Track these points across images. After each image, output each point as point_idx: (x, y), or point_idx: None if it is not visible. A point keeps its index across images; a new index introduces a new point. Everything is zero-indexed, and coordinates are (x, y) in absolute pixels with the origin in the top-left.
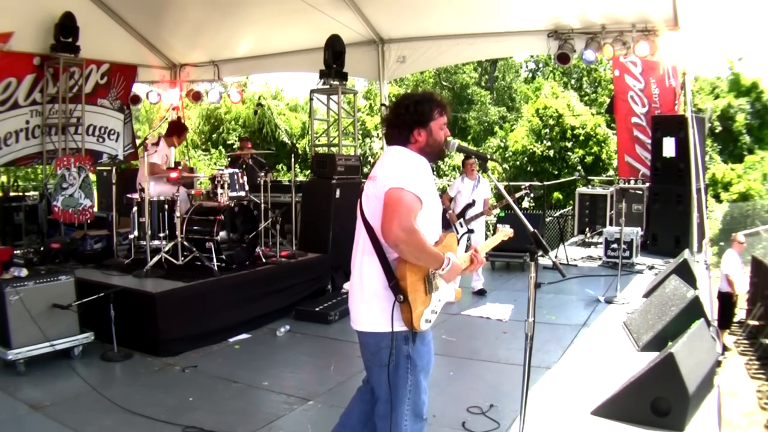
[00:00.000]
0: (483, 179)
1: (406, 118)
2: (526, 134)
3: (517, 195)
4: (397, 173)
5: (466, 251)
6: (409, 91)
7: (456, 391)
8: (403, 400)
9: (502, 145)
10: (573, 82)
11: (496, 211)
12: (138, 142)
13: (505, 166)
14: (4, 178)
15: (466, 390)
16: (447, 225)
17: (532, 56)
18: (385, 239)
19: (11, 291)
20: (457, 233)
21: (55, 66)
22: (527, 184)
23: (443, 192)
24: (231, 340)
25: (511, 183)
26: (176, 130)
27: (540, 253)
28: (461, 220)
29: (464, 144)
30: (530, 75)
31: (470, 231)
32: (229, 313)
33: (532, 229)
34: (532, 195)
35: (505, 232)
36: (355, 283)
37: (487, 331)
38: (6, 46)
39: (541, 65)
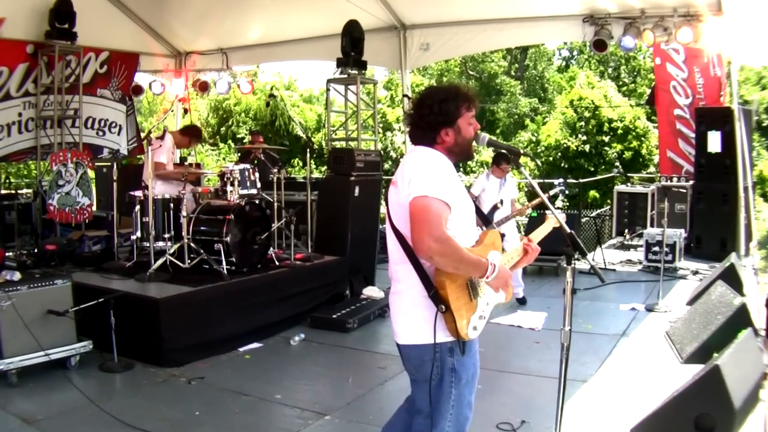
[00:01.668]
0: (510, 177)
1: (430, 119)
2: (559, 127)
3: (551, 192)
4: (419, 180)
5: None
6: (432, 84)
7: (485, 406)
8: (445, 415)
9: (534, 139)
10: (610, 71)
11: (528, 210)
12: (142, 135)
13: (538, 162)
14: None
15: (496, 405)
16: (488, 222)
17: (565, 43)
18: (417, 253)
19: (3, 296)
20: None
21: (50, 54)
22: (560, 180)
23: (469, 190)
24: (241, 349)
25: (544, 180)
26: (193, 133)
27: (577, 256)
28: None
29: (495, 138)
30: (564, 63)
31: (502, 235)
32: (239, 321)
33: (568, 230)
34: (567, 192)
35: (550, 221)
36: (395, 293)
37: (519, 341)
38: None
39: (575, 53)
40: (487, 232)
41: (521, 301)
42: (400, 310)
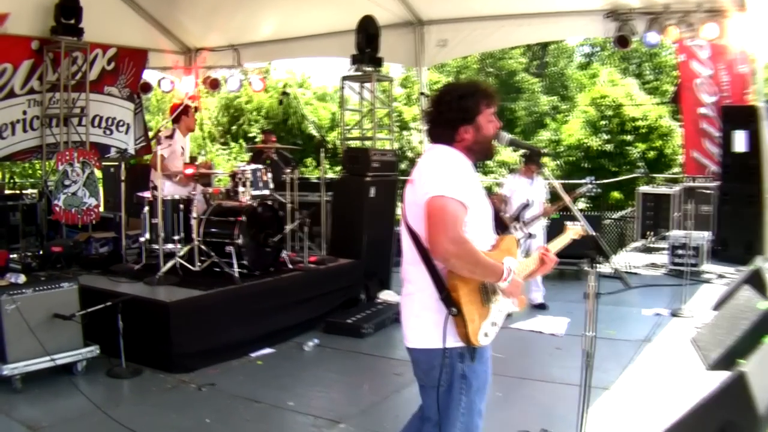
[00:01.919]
0: (538, 177)
1: (449, 116)
2: (581, 126)
3: (581, 190)
4: (436, 179)
5: (525, 257)
6: (450, 81)
7: (504, 414)
8: (455, 423)
9: (555, 138)
10: (633, 68)
11: (552, 212)
12: (150, 134)
13: (558, 161)
14: None
15: (516, 413)
16: (505, 228)
17: (587, 39)
18: (433, 254)
19: (7, 299)
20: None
21: (56, 50)
22: (590, 178)
23: (490, 191)
24: (253, 355)
25: (567, 181)
26: (181, 112)
27: (600, 259)
28: (518, 223)
29: (516, 137)
30: (585, 60)
31: (530, 236)
32: (251, 326)
33: (592, 233)
34: (597, 189)
35: (576, 229)
36: (406, 295)
37: (540, 346)
38: (1, 29)
39: (597, 49)
40: (504, 237)
41: (541, 307)
42: (411, 312)
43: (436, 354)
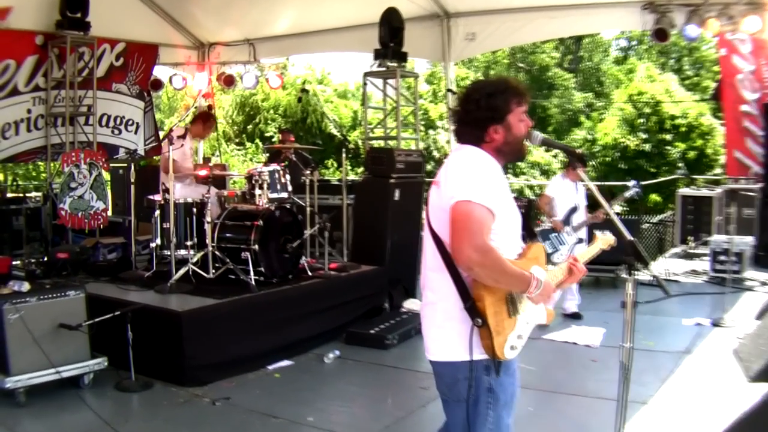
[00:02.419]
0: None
1: (478, 115)
2: (617, 125)
3: (626, 195)
4: (463, 183)
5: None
6: (479, 77)
7: (535, 430)
8: None
9: (590, 137)
10: (671, 62)
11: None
12: (162, 134)
13: (594, 162)
14: (0, 177)
15: (549, 428)
16: (532, 234)
17: (623, 32)
18: (456, 262)
19: (10, 308)
20: (564, 243)
21: (61, 46)
22: (634, 182)
23: (521, 193)
24: (270, 367)
25: (606, 183)
26: (202, 118)
27: (639, 266)
28: (568, 227)
29: (549, 137)
30: (621, 54)
31: (580, 240)
32: (268, 336)
33: (630, 238)
34: (641, 193)
35: (606, 239)
36: (427, 304)
37: (574, 358)
38: (3, 24)
39: (634, 43)
40: (532, 245)
41: (575, 317)
42: (433, 323)
43: (460, 367)
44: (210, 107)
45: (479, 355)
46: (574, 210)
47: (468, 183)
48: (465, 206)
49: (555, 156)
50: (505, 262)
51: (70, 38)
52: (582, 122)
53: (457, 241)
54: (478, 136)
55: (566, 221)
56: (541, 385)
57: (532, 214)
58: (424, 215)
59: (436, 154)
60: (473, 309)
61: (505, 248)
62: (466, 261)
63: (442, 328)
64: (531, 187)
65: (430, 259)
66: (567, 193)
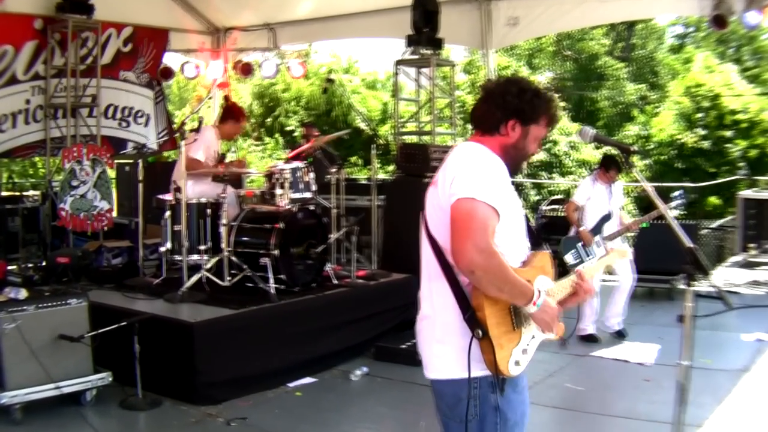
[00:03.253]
0: (617, 184)
1: (514, 103)
2: (673, 120)
3: (671, 205)
4: (466, 179)
5: (626, 273)
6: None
7: None
8: None
9: (644, 133)
10: (731, 52)
11: (644, 224)
12: (174, 127)
13: (648, 161)
14: None
15: None
16: (536, 243)
17: (679, 18)
18: (457, 264)
19: (6, 317)
20: (591, 255)
21: (63, 31)
22: (680, 192)
23: (568, 195)
24: (291, 385)
25: (660, 184)
26: (231, 114)
27: (698, 276)
28: (598, 237)
29: (602, 134)
30: (677, 42)
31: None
32: (289, 350)
33: (689, 245)
34: (686, 203)
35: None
36: (424, 318)
37: (625, 378)
38: (0, 7)
39: (691, 29)
40: (537, 254)
41: (620, 335)
42: (432, 337)
43: (463, 384)
44: (226, 99)
45: (480, 371)
46: (606, 218)
47: (472, 179)
48: (468, 204)
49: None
50: (509, 269)
51: (72, 22)
52: (635, 116)
53: (458, 242)
54: (495, 123)
55: (596, 230)
56: (589, 407)
57: None
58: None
59: None
60: (473, 319)
61: (509, 255)
62: (467, 263)
63: (443, 343)
64: (577, 189)
65: (428, 267)
66: (599, 199)
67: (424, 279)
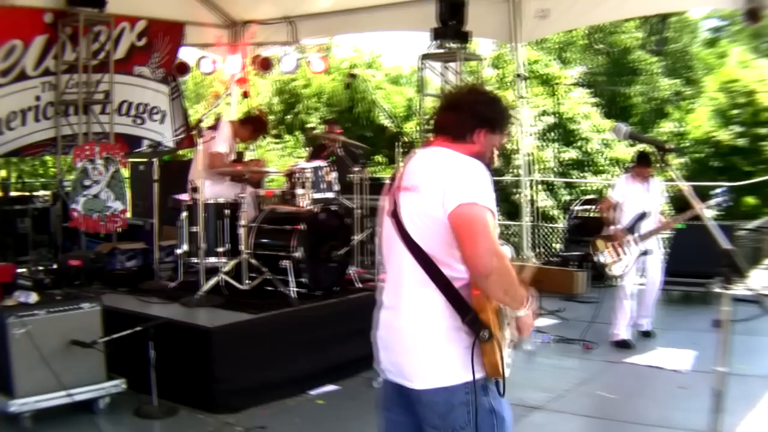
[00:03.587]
0: (655, 182)
1: (486, 114)
2: (709, 116)
3: (711, 203)
4: (465, 185)
5: (653, 274)
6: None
7: None
8: None
9: (679, 131)
10: (765, 46)
11: (678, 223)
12: (191, 123)
13: (684, 159)
14: (3, 173)
15: None
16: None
17: (714, 10)
18: (473, 269)
19: (16, 322)
20: (626, 255)
21: (74, 24)
22: (722, 189)
23: (601, 195)
24: (312, 392)
25: (695, 183)
26: (256, 125)
27: (736, 279)
28: (633, 236)
29: (636, 130)
30: (712, 36)
31: (646, 252)
32: (311, 357)
33: (726, 246)
34: (729, 202)
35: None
36: (403, 327)
37: (659, 385)
38: (8, 0)
39: (725, 23)
40: (521, 266)
41: (648, 335)
42: (417, 346)
43: (455, 391)
44: (245, 95)
45: (470, 375)
46: (642, 216)
47: (470, 185)
48: (474, 209)
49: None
50: (513, 271)
51: (84, 16)
52: (670, 113)
53: (473, 247)
54: (462, 132)
55: (632, 229)
56: (622, 415)
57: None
58: (387, 222)
59: (504, 149)
60: (475, 322)
61: None
62: (485, 267)
63: (433, 351)
64: (613, 187)
65: (408, 275)
66: (635, 197)
67: (399, 288)
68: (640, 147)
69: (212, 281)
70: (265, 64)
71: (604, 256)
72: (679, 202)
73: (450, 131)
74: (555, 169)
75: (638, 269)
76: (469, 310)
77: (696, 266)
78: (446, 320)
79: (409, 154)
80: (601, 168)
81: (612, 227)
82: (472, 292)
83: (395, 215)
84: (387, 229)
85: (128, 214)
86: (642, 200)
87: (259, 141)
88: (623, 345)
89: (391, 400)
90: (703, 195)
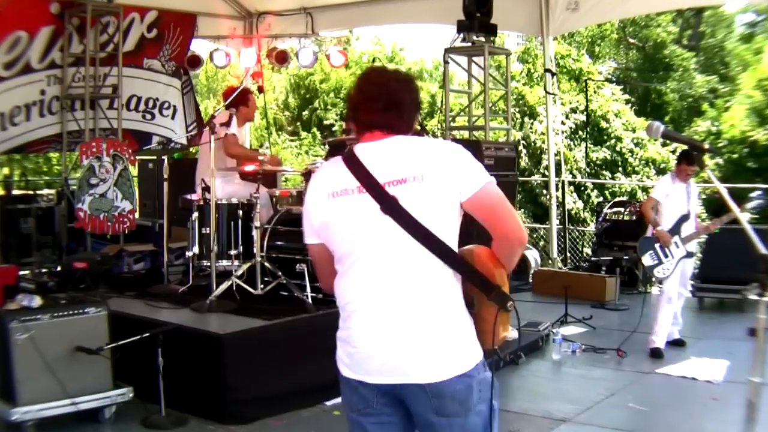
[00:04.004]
0: (693, 183)
1: (416, 99)
2: (745, 115)
3: (748, 206)
4: (475, 166)
5: (683, 279)
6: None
7: None
8: None
9: (714, 129)
10: None
11: (717, 227)
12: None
13: (720, 159)
14: (6, 170)
15: None
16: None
17: (749, 4)
18: (517, 242)
19: (18, 327)
20: (669, 257)
21: (81, 15)
22: (759, 192)
23: (633, 196)
24: (328, 403)
25: (734, 185)
26: (238, 97)
27: None
28: (677, 238)
29: (671, 129)
30: (748, 31)
31: (689, 254)
32: (327, 366)
33: (763, 251)
34: (763, 203)
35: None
36: (413, 321)
37: (691, 396)
38: None
39: (761, 17)
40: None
41: (679, 343)
42: (433, 335)
43: (472, 372)
44: (260, 89)
45: (480, 354)
46: (685, 218)
47: (476, 165)
48: (494, 187)
49: (674, 152)
50: None
51: (92, 6)
52: (705, 111)
53: (507, 221)
54: (410, 124)
55: (675, 231)
56: (654, 427)
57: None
58: (373, 221)
59: (532, 146)
60: (501, 295)
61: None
62: (521, 238)
63: (452, 337)
64: (645, 189)
65: (416, 265)
66: (677, 198)
67: (396, 286)
68: (677, 146)
69: (224, 285)
70: (281, 58)
71: (648, 257)
72: (712, 205)
73: (399, 130)
74: (585, 169)
75: (680, 270)
76: (492, 287)
77: (731, 272)
78: (458, 303)
79: (349, 152)
80: (633, 168)
81: (656, 228)
82: (494, 269)
83: (394, 209)
84: (366, 229)
85: (136, 215)
86: (683, 201)
87: (274, 135)
88: (656, 354)
89: (375, 405)
90: (739, 197)
